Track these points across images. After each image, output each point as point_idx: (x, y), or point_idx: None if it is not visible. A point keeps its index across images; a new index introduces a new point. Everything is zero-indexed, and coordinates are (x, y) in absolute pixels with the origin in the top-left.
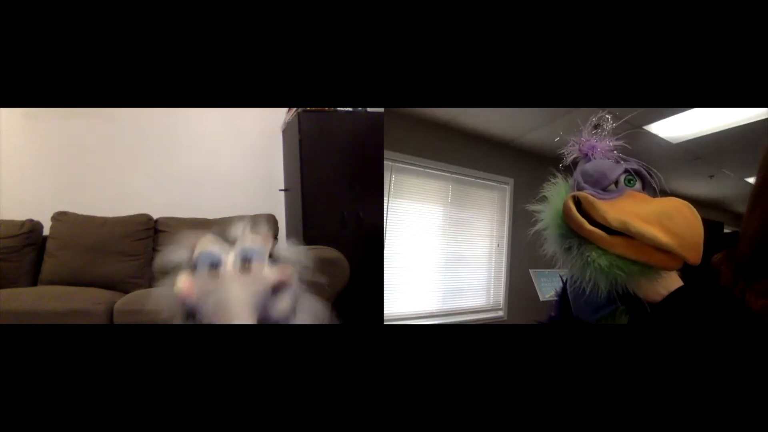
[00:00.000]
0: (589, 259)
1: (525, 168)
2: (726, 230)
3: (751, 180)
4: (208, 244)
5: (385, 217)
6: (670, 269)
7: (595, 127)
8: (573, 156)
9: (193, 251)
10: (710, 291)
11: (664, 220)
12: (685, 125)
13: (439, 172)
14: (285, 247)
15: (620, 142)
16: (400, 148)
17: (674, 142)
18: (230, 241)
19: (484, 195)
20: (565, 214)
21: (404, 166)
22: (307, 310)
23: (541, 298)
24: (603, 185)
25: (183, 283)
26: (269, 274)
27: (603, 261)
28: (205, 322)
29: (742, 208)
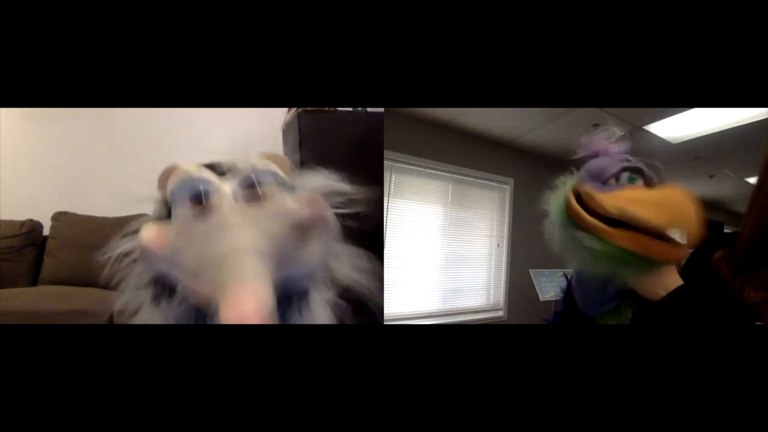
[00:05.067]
0: (588, 247)
1: (525, 168)
2: (726, 230)
3: (752, 180)
4: (189, 171)
5: (385, 217)
6: (669, 261)
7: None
8: (583, 154)
9: (164, 189)
10: (709, 289)
11: (659, 204)
12: (685, 125)
13: (439, 172)
14: (309, 174)
15: (629, 146)
16: (400, 148)
17: (674, 142)
18: (226, 172)
19: (484, 195)
20: (567, 207)
21: (404, 166)
22: (347, 263)
23: (541, 298)
24: (603, 179)
25: (148, 231)
26: (292, 204)
27: (601, 249)
28: (185, 291)
29: (742, 208)
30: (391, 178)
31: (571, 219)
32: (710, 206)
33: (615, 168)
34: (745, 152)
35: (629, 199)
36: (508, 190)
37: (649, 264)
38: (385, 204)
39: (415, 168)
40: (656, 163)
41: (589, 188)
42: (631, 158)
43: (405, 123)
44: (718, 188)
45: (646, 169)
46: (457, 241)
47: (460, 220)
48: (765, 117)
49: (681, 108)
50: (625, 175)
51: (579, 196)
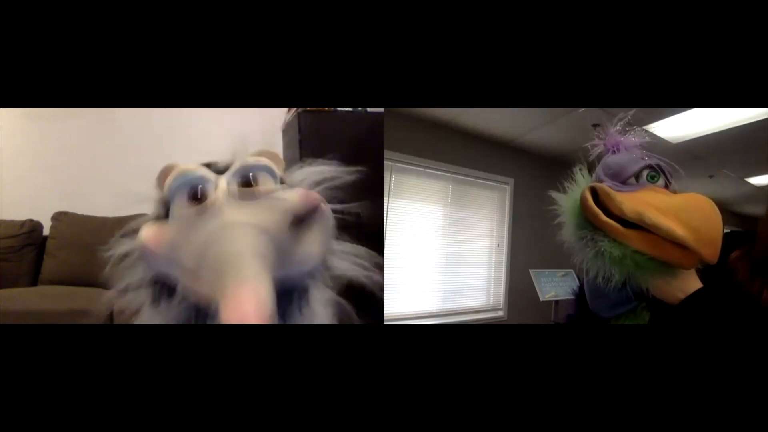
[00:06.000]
0: (602, 249)
1: (525, 168)
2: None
3: (752, 180)
4: (186, 168)
5: (385, 217)
6: (685, 267)
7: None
8: (598, 151)
9: (162, 188)
10: (729, 293)
11: (682, 213)
12: (685, 125)
13: (439, 172)
14: (302, 168)
15: (646, 139)
16: (400, 148)
17: (674, 142)
18: (223, 170)
19: (484, 195)
20: (582, 205)
21: (404, 166)
22: (347, 260)
23: (541, 298)
24: (622, 178)
25: (147, 231)
26: (287, 197)
27: (616, 252)
28: (185, 290)
29: (741, 208)
30: (391, 178)
31: (585, 218)
32: None
33: (636, 166)
34: (745, 152)
35: (650, 204)
36: (508, 190)
37: (665, 267)
38: (385, 204)
39: (415, 168)
40: (674, 165)
41: (608, 187)
42: (651, 154)
43: (405, 123)
44: (718, 188)
45: (666, 168)
46: (457, 241)
47: (460, 220)
48: (765, 117)
49: (681, 108)
50: (645, 173)
51: (596, 194)
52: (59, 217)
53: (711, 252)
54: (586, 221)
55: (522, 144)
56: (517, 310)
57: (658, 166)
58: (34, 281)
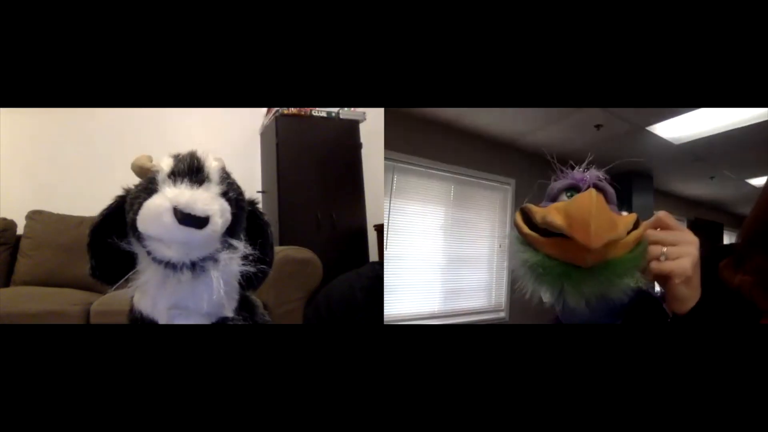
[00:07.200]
0: (521, 258)
1: (527, 168)
2: (726, 232)
3: (753, 181)
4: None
5: (386, 218)
6: (580, 263)
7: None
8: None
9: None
10: (725, 303)
11: (567, 207)
12: (686, 126)
13: (441, 173)
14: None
15: (602, 173)
16: (401, 149)
17: (676, 143)
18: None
19: (486, 195)
20: (515, 223)
21: (406, 166)
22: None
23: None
24: (551, 197)
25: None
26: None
27: (533, 259)
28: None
29: (742, 209)
30: (393, 178)
31: (519, 236)
32: (711, 207)
33: (560, 185)
34: (746, 154)
35: (555, 207)
36: (510, 190)
37: (570, 271)
38: (386, 204)
39: (416, 168)
40: (615, 185)
41: (532, 204)
42: (601, 179)
43: (406, 123)
44: (719, 189)
45: (603, 185)
46: (459, 241)
47: (462, 220)
48: (766, 118)
49: (684, 109)
50: (565, 191)
51: (526, 214)
52: (34, 216)
53: (582, 236)
54: (519, 238)
55: (524, 144)
56: (519, 312)
57: (576, 186)
58: (7, 282)
